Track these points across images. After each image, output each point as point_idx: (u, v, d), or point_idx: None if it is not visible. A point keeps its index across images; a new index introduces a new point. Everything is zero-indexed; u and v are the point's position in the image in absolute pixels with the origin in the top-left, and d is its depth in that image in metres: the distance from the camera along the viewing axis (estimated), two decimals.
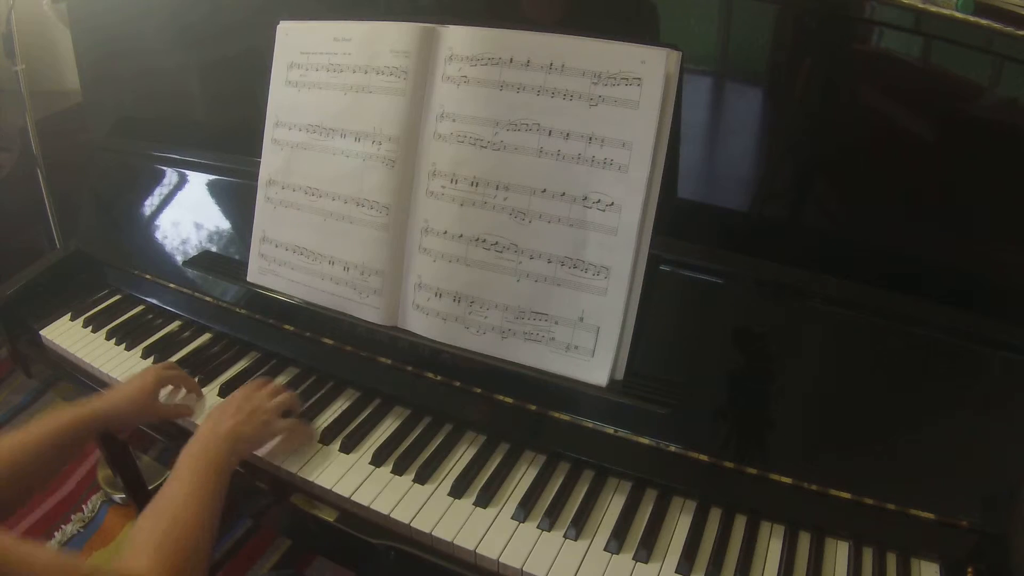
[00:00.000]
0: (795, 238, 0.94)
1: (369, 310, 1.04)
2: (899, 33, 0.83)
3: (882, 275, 0.87)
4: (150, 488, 1.61)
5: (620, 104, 0.87)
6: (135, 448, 1.54)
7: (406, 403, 1.08)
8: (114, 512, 1.80)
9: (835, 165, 0.91)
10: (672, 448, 0.90)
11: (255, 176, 1.14)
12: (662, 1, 0.95)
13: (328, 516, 0.93)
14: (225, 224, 1.26)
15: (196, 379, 1.14)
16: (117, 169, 1.42)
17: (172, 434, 1.09)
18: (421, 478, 0.95)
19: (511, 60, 0.92)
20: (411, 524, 0.89)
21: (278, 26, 1.11)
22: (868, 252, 0.90)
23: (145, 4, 1.33)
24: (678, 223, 0.93)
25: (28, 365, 1.35)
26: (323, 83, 1.07)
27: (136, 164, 1.37)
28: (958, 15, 0.78)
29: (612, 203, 0.89)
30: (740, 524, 0.89)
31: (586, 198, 0.90)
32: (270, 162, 1.13)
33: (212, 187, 1.28)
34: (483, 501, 0.91)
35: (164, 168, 1.33)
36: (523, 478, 0.95)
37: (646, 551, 0.85)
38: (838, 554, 0.85)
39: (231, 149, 1.24)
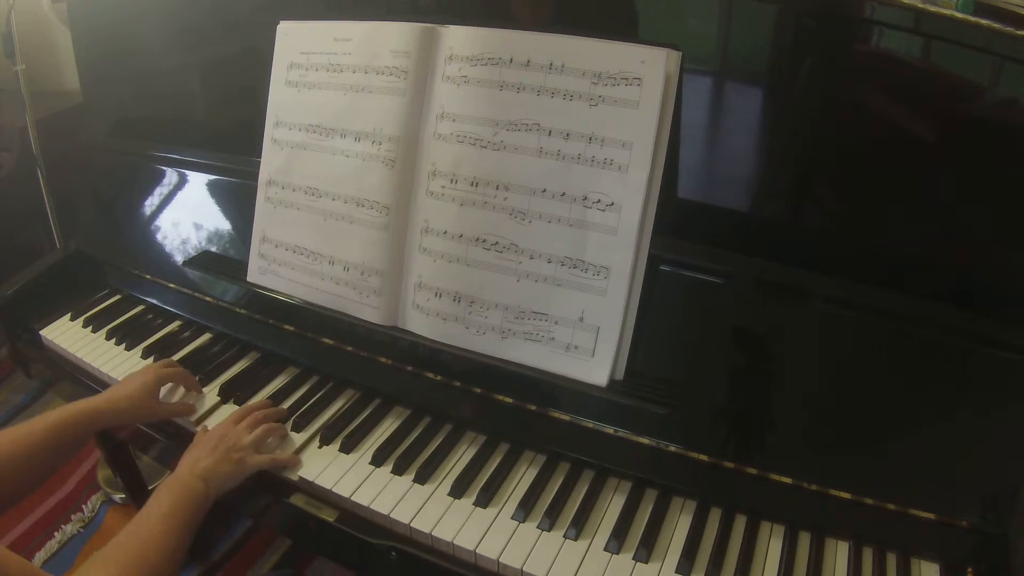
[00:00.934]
0: (795, 238, 0.94)
1: (369, 310, 1.04)
2: (899, 33, 0.83)
3: (882, 275, 0.87)
4: (150, 488, 1.62)
5: (620, 104, 0.87)
6: (135, 448, 1.54)
7: (406, 403, 1.08)
8: (114, 512, 1.80)
9: (835, 165, 0.91)
10: (672, 448, 0.90)
11: (255, 176, 1.14)
12: (662, 1, 0.95)
13: (328, 516, 0.93)
14: (225, 224, 1.26)
15: (196, 379, 1.14)
16: (117, 169, 1.42)
17: (172, 434, 1.09)
18: (421, 478, 0.95)
19: (511, 60, 0.92)
20: (411, 524, 0.89)
21: (278, 26, 1.11)
22: (868, 252, 0.90)
23: (145, 4, 1.33)
24: (678, 223, 0.93)
25: (28, 365, 1.35)
26: (323, 83, 1.07)
27: (136, 164, 1.37)
28: (958, 15, 0.78)
29: (612, 203, 0.89)
30: (740, 524, 0.89)
31: (586, 198, 0.90)
32: (270, 162, 1.13)
33: (212, 187, 1.28)
34: (483, 501, 0.91)
35: (164, 168, 1.33)
36: (523, 478, 0.95)
37: (646, 551, 0.85)
38: (838, 554, 0.85)
39: (231, 149, 1.24)
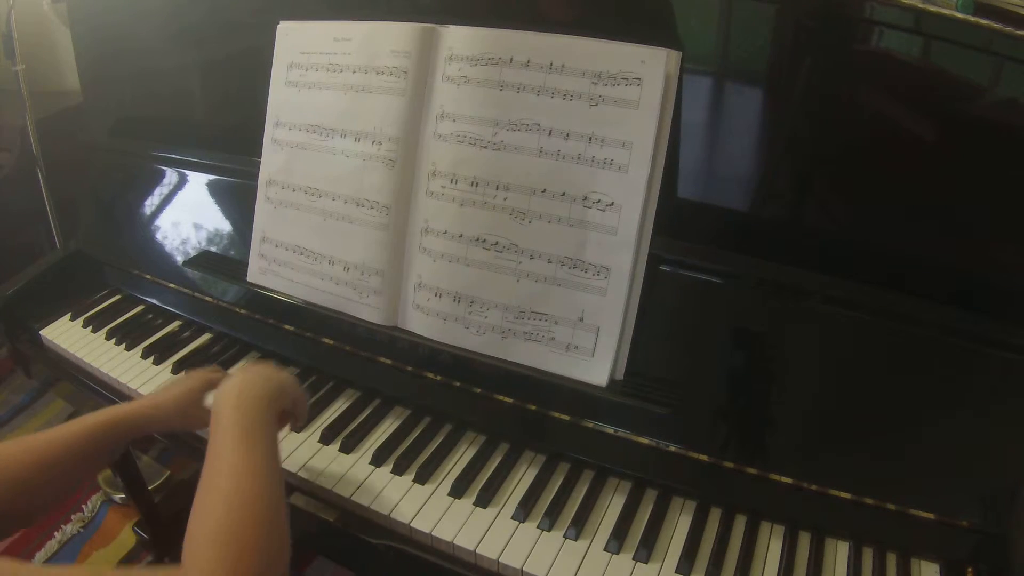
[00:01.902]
0: (795, 238, 0.94)
1: (369, 310, 1.04)
2: (899, 33, 0.83)
3: (882, 275, 0.87)
4: (150, 488, 1.61)
5: (620, 104, 0.87)
6: (135, 448, 1.54)
7: (406, 403, 1.08)
8: (114, 512, 1.80)
9: (835, 165, 0.91)
10: (672, 448, 0.90)
11: (255, 176, 1.14)
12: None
13: (328, 516, 0.93)
14: (225, 224, 1.26)
15: None
16: (117, 169, 1.42)
17: (171, 434, 1.09)
18: (421, 478, 0.95)
19: (511, 60, 0.92)
20: (411, 524, 0.89)
21: (278, 26, 1.11)
22: (868, 252, 0.90)
23: (145, 4, 1.33)
24: (678, 223, 0.93)
25: (28, 365, 1.35)
26: (323, 83, 1.07)
27: (136, 164, 1.37)
28: (958, 15, 0.78)
29: (612, 203, 0.89)
30: (740, 524, 0.89)
31: (586, 198, 0.90)
32: (270, 162, 1.13)
33: (212, 187, 1.28)
34: (483, 501, 0.91)
35: (164, 168, 1.33)
36: (523, 478, 0.95)
37: (646, 551, 0.85)
38: (838, 554, 0.85)
39: (231, 149, 1.24)
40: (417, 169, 1.00)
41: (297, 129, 1.09)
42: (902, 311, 0.85)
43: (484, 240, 0.95)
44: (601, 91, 0.88)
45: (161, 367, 1.18)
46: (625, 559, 0.84)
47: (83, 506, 1.81)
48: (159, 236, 1.32)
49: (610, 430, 0.93)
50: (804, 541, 0.87)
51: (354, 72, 1.03)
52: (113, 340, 1.25)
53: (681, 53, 0.85)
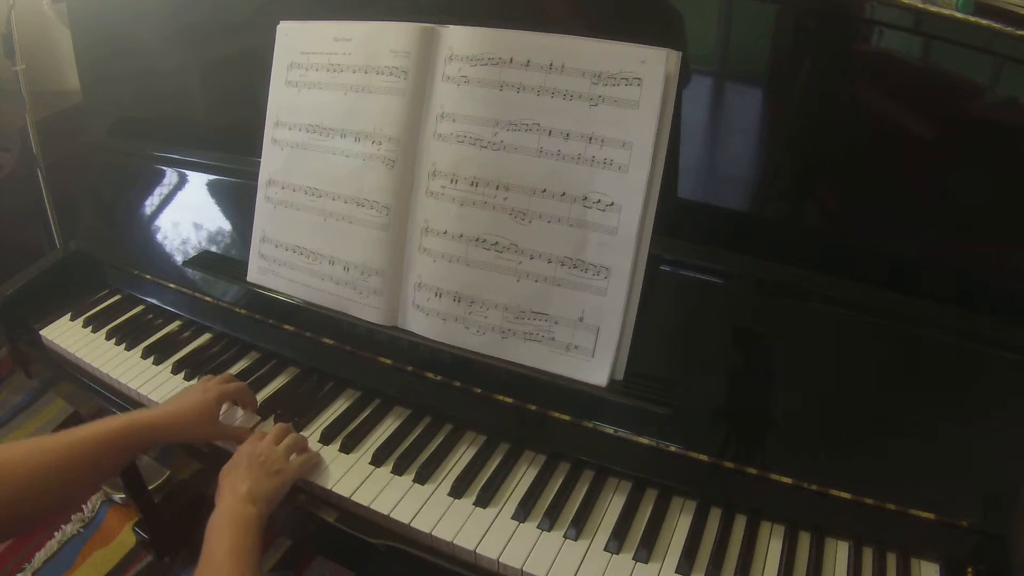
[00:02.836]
0: (795, 238, 0.94)
1: (369, 310, 1.04)
2: (899, 33, 0.83)
3: (882, 275, 0.87)
4: (150, 488, 1.61)
5: (620, 104, 0.87)
6: None
7: (406, 403, 1.08)
8: (114, 512, 1.80)
9: (835, 165, 0.91)
10: (672, 448, 0.90)
11: (255, 176, 1.14)
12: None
13: (328, 516, 0.93)
14: (225, 224, 1.26)
15: (197, 379, 1.14)
16: (117, 169, 1.42)
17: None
18: (421, 478, 0.95)
19: (511, 60, 0.92)
20: (411, 524, 0.89)
21: (278, 26, 1.11)
22: (868, 252, 0.90)
23: (145, 4, 1.33)
24: (678, 223, 0.93)
25: (28, 365, 1.35)
26: (323, 83, 1.07)
27: (136, 164, 1.37)
28: (958, 15, 0.78)
29: (612, 203, 0.89)
30: (740, 524, 0.89)
31: (586, 198, 0.90)
32: (270, 162, 1.13)
33: (212, 187, 1.28)
34: (483, 501, 0.91)
35: (164, 168, 1.33)
36: (523, 478, 0.95)
37: (646, 551, 0.85)
38: (838, 554, 0.85)
39: (231, 149, 1.24)
40: (417, 169, 1.00)
41: (297, 129, 1.09)
42: (902, 311, 0.85)
43: (484, 240, 0.95)
44: (601, 91, 0.88)
45: (161, 367, 1.18)
46: (625, 559, 0.84)
47: (83, 506, 1.81)
48: (159, 236, 1.32)
49: (610, 430, 0.93)
50: (804, 541, 0.87)
51: (354, 72, 1.03)
52: (113, 340, 1.25)
53: (681, 53, 0.85)
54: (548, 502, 0.91)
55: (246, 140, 1.17)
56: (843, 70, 0.86)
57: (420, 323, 1.01)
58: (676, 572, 0.83)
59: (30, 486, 0.79)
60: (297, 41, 1.10)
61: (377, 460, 0.98)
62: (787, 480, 0.86)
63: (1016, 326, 0.82)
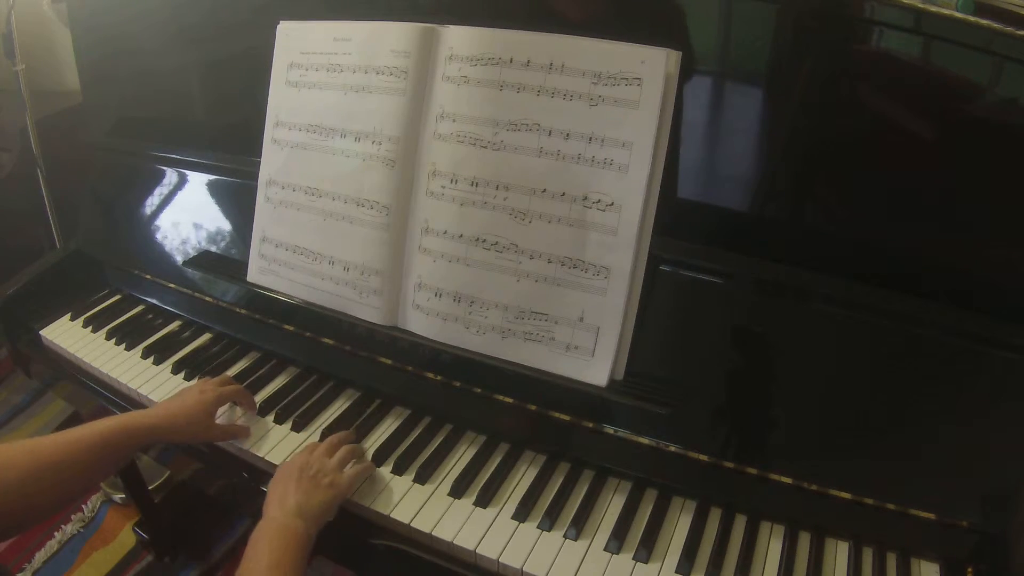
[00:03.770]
0: (795, 238, 0.94)
1: (369, 310, 1.04)
2: (899, 33, 0.83)
3: (882, 275, 0.87)
4: (150, 488, 1.61)
5: (620, 104, 0.87)
6: None
7: (406, 403, 1.08)
8: (114, 512, 1.80)
9: (836, 165, 0.91)
10: (672, 448, 0.90)
11: (255, 176, 1.14)
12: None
13: None
14: (225, 224, 1.26)
15: (197, 379, 1.14)
16: (117, 169, 1.42)
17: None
18: (421, 478, 0.95)
19: (511, 60, 0.92)
20: (411, 524, 0.89)
21: (278, 26, 1.11)
22: (868, 252, 0.90)
23: (145, 4, 1.33)
24: (678, 223, 0.93)
25: (28, 365, 1.35)
26: (323, 83, 1.07)
27: (136, 164, 1.37)
28: (958, 15, 0.78)
29: (612, 203, 0.89)
30: (740, 524, 0.89)
31: (586, 198, 0.90)
32: (270, 162, 1.13)
33: (212, 187, 1.28)
34: (483, 501, 0.91)
35: (164, 168, 1.33)
36: (523, 478, 0.95)
37: (646, 551, 0.85)
38: (838, 554, 0.85)
39: (231, 149, 1.24)
40: (417, 169, 1.00)
41: (297, 129, 1.09)
42: (902, 311, 0.85)
43: (484, 240, 0.95)
44: (601, 91, 0.88)
45: (161, 367, 1.18)
46: (625, 559, 0.84)
47: (83, 506, 1.81)
48: (159, 236, 1.32)
49: (610, 430, 0.93)
50: (804, 541, 0.87)
51: (354, 72, 1.03)
52: (113, 340, 1.25)
53: (681, 53, 0.85)
54: (548, 502, 0.91)
55: (246, 140, 1.17)
56: (843, 70, 0.86)
57: (420, 323, 1.01)
58: (676, 572, 0.83)
59: (22, 487, 0.79)
60: (297, 41, 1.10)
61: (377, 460, 0.98)
62: (787, 480, 0.86)
63: (1016, 326, 0.82)
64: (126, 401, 1.16)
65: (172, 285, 1.28)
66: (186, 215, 1.29)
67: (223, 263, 1.22)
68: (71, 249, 1.43)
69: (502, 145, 0.93)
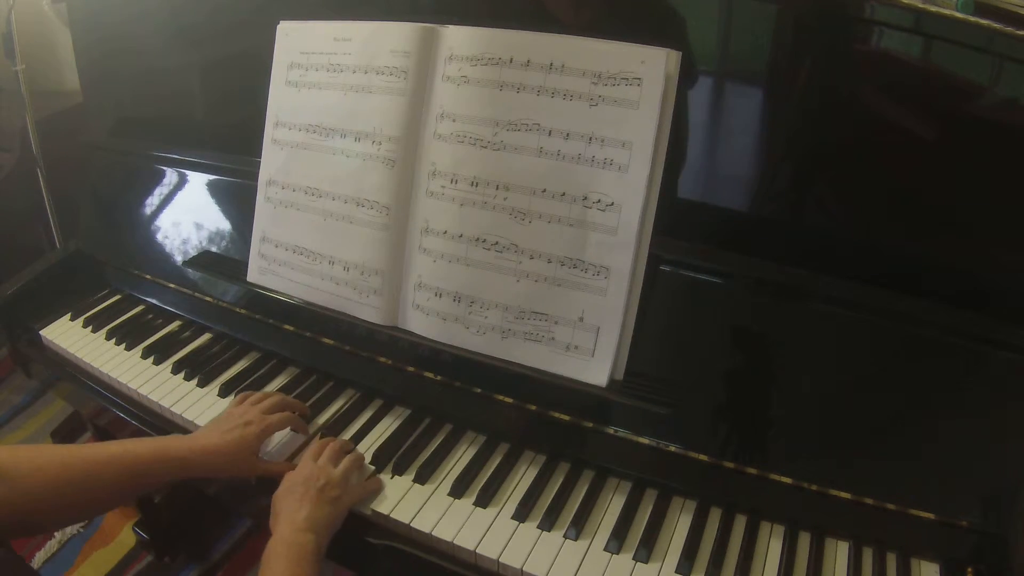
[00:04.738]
0: (795, 238, 0.94)
1: (369, 310, 1.04)
2: (899, 33, 0.83)
3: (882, 275, 0.87)
4: None
5: (620, 104, 0.87)
6: None
7: (406, 403, 1.08)
8: (114, 512, 1.80)
9: (836, 165, 0.91)
10: (672, 448, 0.90)
11: (255, 176, 1.14)
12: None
13: None
14: (225, 224, 1.26)
15: (197, 379, 1.14)
16: (117, 169, 1.42)
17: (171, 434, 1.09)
18: (421, 478, 0.95)
19: (511, 60, 0.92)
20: (411, 524, 0.89)
21: (278, 26, 1.11)
22: (868, 252, 0.90)
23: (145, 4, 1.33)
24: (678, 223, 0.93)
25: (28, 365, 1.35)
26: (323, 83, 1.07)
27: (136, 164, 1.37)
28: (958, 15, 0.78)
29: (612, 203, 0.89)
30: (740, 524, 0.89)
31: (586, 198, 0.90)
32: (270, 162, 1.13)
33: (212, 187, 1.28)
34: (483, 501, 0.91)
35: (164, 168, 1.33)
36: (523, 478, 0.95)
37: (646, 551, 0.85)
38: (838, 554, 0.85)
39: (231, 149, 1.24)
40: (417, 169, 1.00)
41: (297, 129, 1.09)
42: (902, 311, 0.85)
43: (484, 240, 0.95)
44: (601, 91, 0.88)
45: (161, 367, 1.18)
46: (625, 559, 0.84)
47: None
48: (159, 236, 1.32)
49: (610, 430, 0.93)
50: (804, 541, 0.87)
51: (354, 72, 1.03)
52: (113, 340, 1.25)
53: (681, 53, 0.85)
54: (548, 502, 0.91)
55: (246, 140, 1.17)
56: (843, 70, 0.86)
57: (420, 323, 1.01)
58: (676, 572, 0.83)
59: (44, 495, 0.78)
60: (297, 41, 1.10)
61: (377, 460, 0.98)
62: (787, 480, 0.86)
63: (1016, 326, 0.82)
64: (126, 401, 1.16)
65: (172, 285, 1.28)
66: (186, 215, 1.29)
67: (223, 263, 1.22)
68: (71, 249, 1.43)
69: (502, 145, 0.93)
